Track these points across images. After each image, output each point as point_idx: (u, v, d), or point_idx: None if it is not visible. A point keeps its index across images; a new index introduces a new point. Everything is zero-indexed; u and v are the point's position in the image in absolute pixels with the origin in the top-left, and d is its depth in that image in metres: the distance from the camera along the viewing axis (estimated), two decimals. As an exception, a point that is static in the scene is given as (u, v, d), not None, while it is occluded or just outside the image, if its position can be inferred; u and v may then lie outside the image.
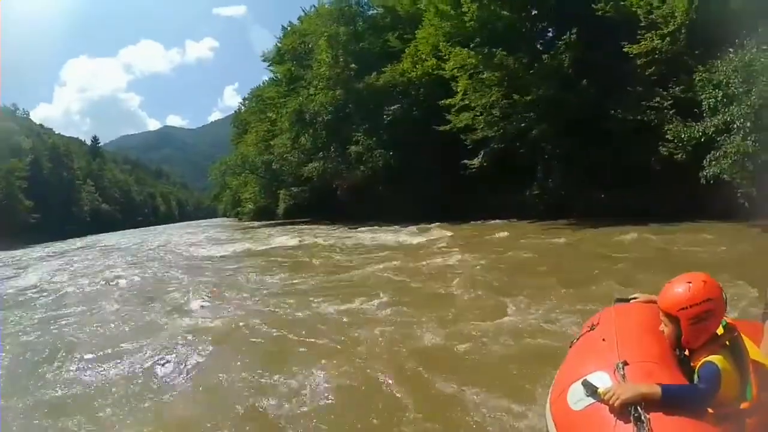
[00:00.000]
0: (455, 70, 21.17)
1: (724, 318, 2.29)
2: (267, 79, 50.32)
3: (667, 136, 14.52)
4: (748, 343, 2.33)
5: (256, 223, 41.99)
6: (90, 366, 5.20)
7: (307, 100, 32.10)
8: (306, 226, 29.24)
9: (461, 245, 13.77)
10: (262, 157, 41.70)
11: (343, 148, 29.19)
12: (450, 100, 21.64)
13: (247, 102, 61.35)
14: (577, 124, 18.04)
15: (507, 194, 21.46)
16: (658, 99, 15.30)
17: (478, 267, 9.67)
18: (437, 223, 20.78)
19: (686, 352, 2.31)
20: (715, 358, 2.11)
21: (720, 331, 2.25)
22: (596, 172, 18.02)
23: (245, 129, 54.31)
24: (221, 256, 16.51)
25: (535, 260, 10.39)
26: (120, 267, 15.21)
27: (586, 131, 17.91)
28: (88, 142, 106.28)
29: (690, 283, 2.19)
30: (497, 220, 20.08)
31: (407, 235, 17.78)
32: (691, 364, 2.24)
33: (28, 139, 59.70)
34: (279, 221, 39.83)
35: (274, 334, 5.98)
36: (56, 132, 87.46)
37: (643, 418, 1.90)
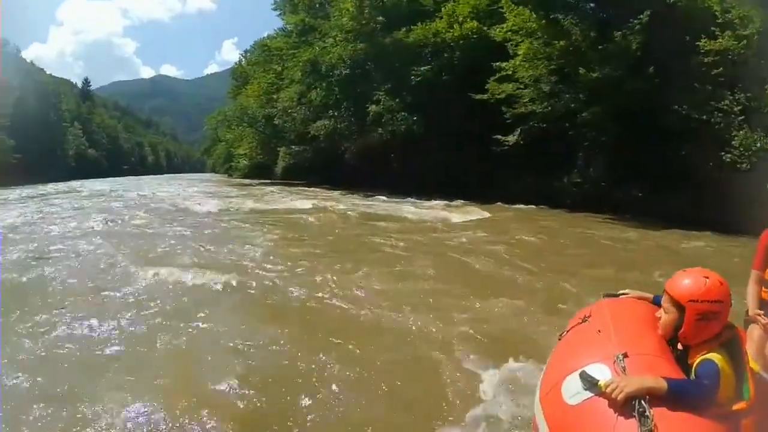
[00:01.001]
0: (509, 33, 18.82)
1: None
2: (275, 29, 47.44)
3: (733, 143, 13.43)
4: None
5: (254, 181, 39.32)
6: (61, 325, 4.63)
7: (323, 51, 29.29)
8: (311, 189, 26.85)
9: (501, 230, 12.27)
10: (263, 110, 39.08)
11: (358, 108, 26.60)
12: (504, 63, 19.12)
13: (249, 54, 58.52)
14: (632, 114, 16.37)
15: (539, 178, 19.50)
16: (726, 102, 13.91)
17: (522, 255, 8.74)
18: (461, 201, 19.04)
19: (679, 346, 2.24)
20: (714, 357, 2.04)
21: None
22: (643, 168, 16.48)
23: (245, 81, 51.52)
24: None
25: (573, 251, 9.66)
26: (107, 218, 13.25)
27: (640, 123, 16.32)
28: (80, 85, 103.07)
29: (707, 278, 2.11)
30: (527, 205, 18.28)
31: (438, 211, 16.01)
32: (689, 360, 2.15)
33: (16, 75, 56.23)
34: (276, 181, 37.69)
35: (286, 301, 5.65)
36: (47, 72, 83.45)
37: (648, 413, 1.76)
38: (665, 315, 2.20)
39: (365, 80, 26.61)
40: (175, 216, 13.76)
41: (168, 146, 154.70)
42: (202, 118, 53.46)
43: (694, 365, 2.07)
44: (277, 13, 42.50)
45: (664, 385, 1.83)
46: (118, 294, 5.63)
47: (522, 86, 18.95)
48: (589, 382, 1.96)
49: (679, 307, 2.12)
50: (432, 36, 24.02)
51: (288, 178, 37.40)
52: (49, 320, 4.72)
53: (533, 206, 18.07)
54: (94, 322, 4.65)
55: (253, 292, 5.92)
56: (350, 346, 4.26)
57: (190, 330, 4.55)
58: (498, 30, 19.45)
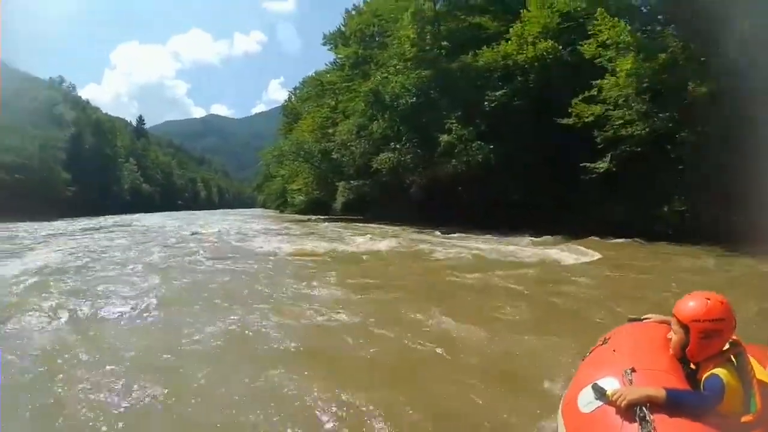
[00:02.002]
0: (599, 49, 17.23)
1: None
2: (326, 64, 47.26)
3: None
4: (756, 365, 2.34)
5: (312, 217, 38.79)
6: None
7: (384, 81, 28.11)
8: (375, 225, 25.47)
9: (622, 272, 10.60)
10: (318, 145, 38.38)
11: (424, 138, 25.11)
12: (605, 82, 17.29)
13: (298, 90, 58.84)
14: (737, 132, 14.39)
15: (632, 205, 17.46)
16: None
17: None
18: (550, 236, 17.12)
19: (692, 365, 2.34)
20: (720, 371, 2.16)
21: (726, 347, 2.28)
22: (753, 192, 13.91)
23: (296, 117, 51.34)
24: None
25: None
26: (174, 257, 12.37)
27: (747, 141, 14.10)
28: (134, 123, 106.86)
29: (709, 300, 2.25)
30: (622, 239, 16.17)
31: (531, 249, 14.26)
32: (697, 376, 2.27)
33: (71, 111, 57.99)
34: (334, 216, 36.85)
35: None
36: (103, 111, 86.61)
37: (648, 418, 1.94)
38: (674, 336, 2.36)
39: (431, 109, 25.11)
40: (241, 255, 12.92)
41: (220, 183, 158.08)
42: (250, 157, 54.16)
43: (702, 380, 2.22)
44: (328, 47, 42.50)
45: (663, 393, 2.01)
46: (189, 340, 5.20)
47: (611, 107, 17.22)
48: (599, 392, 2.17)
49: (685, 327, 2.28)
50: (501, 59, 22.67)
51: (348, 213, 36.43)
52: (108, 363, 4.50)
53: (630, 239, 15.97)
54: (160, 369, 4.32)
55: (334, 338, 5.41)
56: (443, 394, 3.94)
57: (269, 378, 4.19)
58: (586, 45, 17.84)
